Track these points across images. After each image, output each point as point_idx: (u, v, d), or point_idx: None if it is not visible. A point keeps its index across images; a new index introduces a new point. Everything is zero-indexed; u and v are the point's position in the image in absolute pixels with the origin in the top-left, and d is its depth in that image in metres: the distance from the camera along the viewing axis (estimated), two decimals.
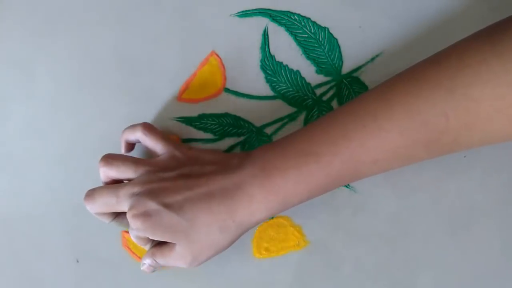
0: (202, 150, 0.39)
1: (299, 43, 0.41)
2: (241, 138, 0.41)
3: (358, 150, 0.34)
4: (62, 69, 0.42)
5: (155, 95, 0.41)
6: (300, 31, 0.41)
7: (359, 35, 0.41)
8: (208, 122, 0.41)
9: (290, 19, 0.41)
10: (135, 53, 0.42)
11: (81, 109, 0.41)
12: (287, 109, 0.41)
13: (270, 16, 0.41)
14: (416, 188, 0.40)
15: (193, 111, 0.41)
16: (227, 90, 0.41)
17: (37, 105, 0.42)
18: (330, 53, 0.41)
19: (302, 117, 0.41)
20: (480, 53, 0.32)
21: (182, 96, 0.41)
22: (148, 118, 0.41)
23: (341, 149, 0.34)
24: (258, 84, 0.41)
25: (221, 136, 0.41)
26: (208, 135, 0.41)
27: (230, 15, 0.42)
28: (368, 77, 0.41)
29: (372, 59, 0.41)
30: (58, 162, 0.41)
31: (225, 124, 0.41)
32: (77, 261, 0.41)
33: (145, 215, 0.34)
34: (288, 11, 0.41)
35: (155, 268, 0.38)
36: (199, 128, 0.41)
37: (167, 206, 0.34)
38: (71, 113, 0.41)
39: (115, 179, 0.37)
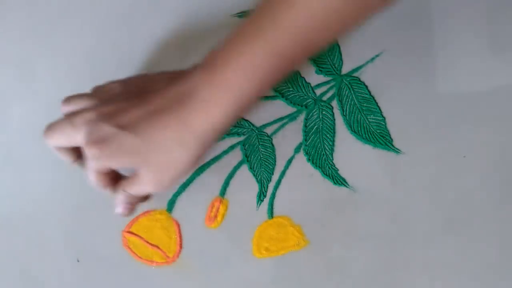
0: (155, 73, 0.37)
1: None
2: (241, 138, 0.41)
3: (305, 16, 0.30)
4: (62, 69, 0.42)
5: None
6: None
7: (359, 35, 0.41)
8: None
9: None
10: (135, 53, 0.42)
11: None
12: (287, 109, 0.41)
13: None
14: (416, 188, 0.41)
15: None
16: None
17: (37, 105, 0.42)
18: (330, 53, 0.41)
19: (302, 117, 0.41)
20: None
21: None
22: None
23: (285, 19, 0.30)
24: None
25: (221, 136, 0.41)
26: None
27: (230, 15, 0.42)
28: (368, 77, 0.41)
29: (372, 59, 0.41)
30: (58, 162, 0.41)
31: None
32: (78, 261, 0.41)
33: (102, 141, 0.32)
34: None
35: (130, 204, 0.36)
36: None
37: (121, 127, 0.32)
38: None
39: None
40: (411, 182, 0.41)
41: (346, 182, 0.41)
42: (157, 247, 0.41)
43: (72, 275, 0.41)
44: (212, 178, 0.41)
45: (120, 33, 0.42)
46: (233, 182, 0.41)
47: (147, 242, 0.41)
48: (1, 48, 0.42)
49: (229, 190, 0.41)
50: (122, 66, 0.41)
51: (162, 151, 0.32)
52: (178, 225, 0.41)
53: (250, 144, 0.41)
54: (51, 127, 0.34)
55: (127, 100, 0.33)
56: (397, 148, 0.41)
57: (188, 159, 0.33)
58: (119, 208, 0.36)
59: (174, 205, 0.41)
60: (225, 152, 0.41)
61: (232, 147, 0.41)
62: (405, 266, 0.40)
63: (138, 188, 0.34)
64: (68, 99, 0.36)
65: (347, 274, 0.40)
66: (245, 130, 0.41)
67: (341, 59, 0.41)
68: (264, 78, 0.32)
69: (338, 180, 0.41)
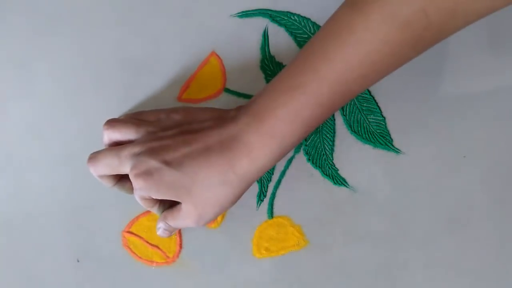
0: (199, 108, 0.38)
1: (299, 43, 0.41)
2: None
3: (342, 69, 0.32)
4: (62, 69, 0.42)
5: (155, 95, 0.41)
6: (300, 32, 0.41)
7: None
8: None
9: (290, 20, 0.41)
10: (135, 53, 0.42)
11: (81, 109, 0.41)
12: None
13: (270, 16, 0.41)
14: (416, 188, 0.41)
15: None
16: (227, 90, 0.41)
17: (37, 105, 0.42)
18: None
19: None
20: None
21: (182, 96, 0.41)
22: None
23: (325, 73, 0.33)
24: (258, 84, 0.41)
25: None
26: None
27: (230, 15, 0.42)
28: None
29: None
30: (58, 162, 0.41)
31: None
32: (78, 261, 0.41)
33: (147, 174, 0.34)
34: (288, 12, 0.42)
35: (170, 232, 0.38)
36: None
37: (167, 163, 0.34)
38: (71, 113, 0.41)
39: (118, 141, 0.37)
40: (411, 182, 0.41)
41: (346, 182, 0.41)
42: (157, 247, 0.41)
43: (72, 275, 0.41)
44: None
45: (120, 33, 0.42)
46: None
47: (147, 242, 0.41)
48: (1, 48, 0.42)
49: None
50: (122, 66, 0.41)
51: (206, 188, 0.34)
52: None
53: None
54: (97, 158, 0.36)
55: (174, 137, 0.35)
56: (397, 148, 0.41)
57: (230, 197, 0.35)
58: (160, 232, 0.38)
59: None
60: None
61: None
62: (405, 266, 0.40)
63: (179, 222, 0.36)
64: (112, 124, 0.37)
65: (347, 274, 0.40)
66: None
67: None
68: (305, 126, 0.34)
69: (338, 180, 0.41)
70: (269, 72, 0.41)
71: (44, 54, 0.42)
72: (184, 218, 0.36)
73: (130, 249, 0.41)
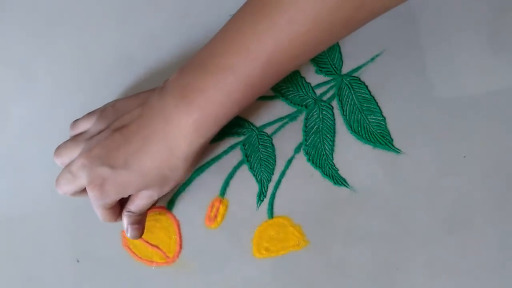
0: (124, 98, 0.38)
1: None
2: (241, 138, 0.41)
3: (274, 50, 0.32)
4: (62, 69, 0.42)
5: None
6: None
7: (359, 35, 0.41)
8: None
9: None
10: (135, 53, 0.42)
11: (81, 109, 0.41)
12: (287, 109, 0.41)
13: None
14: (416, 188, 0.41)
15: None
16: None
17: (37, 105, 0.42)
18: (330, 53, 0.41)
19: (302, 117, 0.41)
20: None
21: None
22: None
23: (257, 54, 0.32)
24: None
25: (221, 135, 0.41)
26: None
27: (230, 15, 0.42)
28: (368, 77, 0.41)
29: (372, 58, 0.41)
30: None
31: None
32: (77, 261, 0.41)
33: (101, 183, 0.35)
34: None
35: (138, 224, 0.38)
36: None
37: (114, 167, 0.35)
38: (71, 113, 0.41)
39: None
40: (411, 182, 0.41)
41: (346, 182, 0.41)
42: (157, 247, 0.41)
43: (72, 275, 0.41)
44: (212, 178, 0.41)
45: (120, 33, 0.42)
46: (233, 182, 0.41)
47: (147, 242, 0.41)
48: (1, 48, 0.42)
49: (229, 190, 0.41)
50: (122, 66, 0.41)
51: (155, 177, 0.35)
52: (178, 225, 0.41)
53: (250, 144, 0.41)
54: (57, 181, 0.37)
55: (111, 136, 0.36)
56: (397, 148, 0.41)
57: (180, 175, 0.36)
58: (129, 232, 0.38)
59: (174, 205, 0.41)
60: (225, 152, 0.41)
61: (232, 147, 0.41)
62: (405, 266, 0.40)
63: (140, 203, 0.37)
64: (58, 152, 0.38)
65: (347, 274, 0.40)
66: (245, 130, 0.41)
67: (341, 59, 0.41)
68: (237, 105, 0.34)
69: (338, 180, 0.41)
70: None
71: (44, 54, 0.42)
72: (143, 198, 0.36)
73: (130, 249, 0.41)
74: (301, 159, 0.41)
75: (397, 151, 0.41)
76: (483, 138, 0.41)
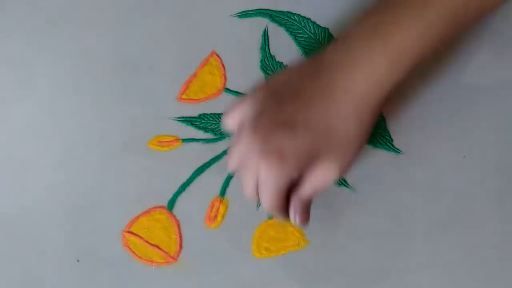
0: (285, 70, 0.33)
1: (299, 43, 0.41)
2: None
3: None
4: (62, 69, 0.42)
5: (155, 95, 0.41)
6: (300, 32, 0.41)
7: None
8: (209, 122, 0.41)
9: (290, 20, 0.41)
10: (135, 53, 0.42)
11: (81, 109, 0.41)
12: None
13: (270, 16, 0.41)
14: (416, 187, 0.41)
15: (193, 111, 0.41)
16: (227, 90, 0.41)
17: (37, 105, 0.42)
18: None
19: None
20: None
21: (182, 96, 0.41)
22: (148, 118, 0.41)
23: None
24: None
25: (222, 136, 0.41)
26: (209, 135, 0.41)
27: (230, 15, 0.42)
28: None
29: None
30: (58, 162, 0.41)
31: None
32: (78, 261, 0.41)
33: (279, 154, 0.30)
34: (288, 12, 0.42)
35: (306, 209, 0.33)
36: (200, 128, 0.41)
37: (292, 127, 0.30)
38: (71, 113, 0.41)
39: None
40: (411, 182, 0.41)
41: (346, 182, 0.41)
42: (157, 247, 0.41)
43: (72, 275, 0.41)
44: (212, 178, 0.41)
45: (120, 33, 0.42)
46: (233, 182, 0.41)
47: (147, 242, 0.41)
48: (1, 48, 0.42)
49: (229, 190, 0.41)
50: (122, 66, 0.41)
51: (338, 138, 0.30)
52: (178, 225, 0.41)
53: None
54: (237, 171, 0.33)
55: (284, 109, 0.31)
56: (397, 148, 0.41)
57: (363, 132, 0.32)
58: (300, 219, 0.33)
59: (174, 205, 0.41)
60: (225, 152, 0.41)
61: None
62: (405, 266, 0.40)
63: (322, 181, 0.32)
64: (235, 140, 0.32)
65: (347, 274, 0.40)
66: None
67: None
68: (437, 38, 0.31)
69: (338, 180, 0.41)
70: (269, 72, 0.41)
71: (44, 54, 0.42)
72: (326, 176, 0.31)
73: (130, 249, 0.41)
74: None
75: (397, 151, 0.41)
76: (483, 138, 0.41)
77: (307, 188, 0.32)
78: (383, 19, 0.31)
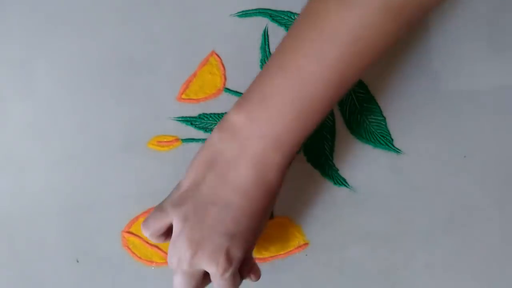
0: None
1: None
2: None
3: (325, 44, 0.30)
4: (62, 69, 0.42)
5: (155, 95, 0.41)
6: None
7: None
8: (208, 122, 0.41)
9: (290, 19, 0.41)
10: (135, 53, 0.42)
11: (81, 109, 0.41)
12: None
13: (270, 16, 0.41)
14: (416, 188, 0.40)
15: (193, 111, 0.41)
16: (227, 90, 0.41)
17: (37, 105, 0.42)
18: None
19: None
20: None
21: (182, 96, 0.41)
22: (148, 118, 0.41)
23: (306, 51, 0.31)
24: None
25: None
26: (208, 135, 0.41)
27: (230, 15, 0.42)
28: (368, 77, 0.41)
29: None
30: (58, 162, 0.41)
31: None
32: (77, 261, 0.41)
33: (226, 251, 0.33)
34: (288, 11, 0.41)
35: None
36: (199, 128, 0.41)
37: (231, 236, 0.33)
38: (71, 113, 0.41)
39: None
40: (411, 182, 0.41)
41: (346, 182, 0.41)
42: (157, 247, 0.41)
43: (72, 275, 0.41)
44: None
45: (120, 33, 0.42)
46: None
47: (147, 242, 0.41)
48: (1, 48, 0.42)
49: None
50: (122, 66, 0.41)
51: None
52: None
53: None
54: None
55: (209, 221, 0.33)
56: (397, 148, 0.41)
57: (261, 226, 0.34)
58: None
59: None
60: None
61: None
62: (405, 266, 0.40)
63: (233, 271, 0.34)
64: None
65: (347, 274, 0.40)
66: None
67: None
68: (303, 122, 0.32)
69: (338, 180, 0.41)
70: None
71: (44, 54, 0.42)
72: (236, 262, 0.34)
73: (129, 249, 0.41)
74: (301, 159, 0.41)
75: (397, 151, 0.41)
76: (483, 138, 0.41)
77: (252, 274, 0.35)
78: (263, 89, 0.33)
